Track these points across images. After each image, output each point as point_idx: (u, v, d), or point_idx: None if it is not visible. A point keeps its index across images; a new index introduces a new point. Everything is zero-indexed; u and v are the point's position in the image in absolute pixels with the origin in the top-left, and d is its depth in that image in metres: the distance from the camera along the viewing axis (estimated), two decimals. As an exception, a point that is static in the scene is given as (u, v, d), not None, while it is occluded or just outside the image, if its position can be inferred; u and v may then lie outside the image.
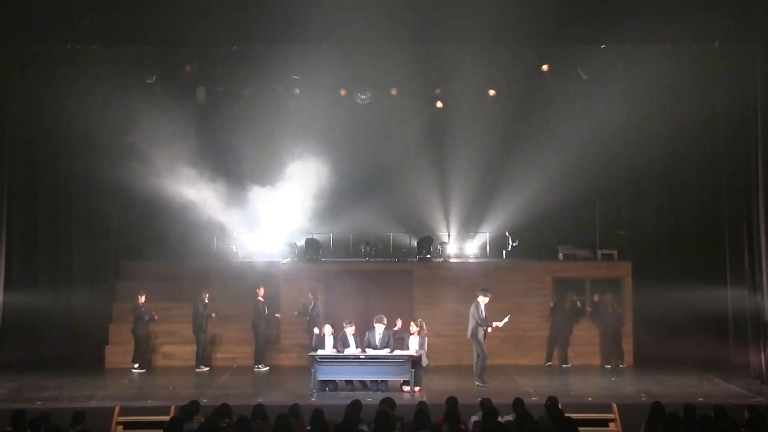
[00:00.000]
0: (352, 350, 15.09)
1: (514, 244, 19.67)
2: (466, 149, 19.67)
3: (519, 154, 19.61)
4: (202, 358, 17.12)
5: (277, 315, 17.39)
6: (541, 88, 18.63)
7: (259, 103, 19.19)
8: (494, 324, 15.46)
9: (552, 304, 17.61)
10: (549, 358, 17.58)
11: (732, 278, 16.86)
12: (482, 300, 15.52)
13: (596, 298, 17.63)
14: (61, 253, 18.07)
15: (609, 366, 17.20)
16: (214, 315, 17.08)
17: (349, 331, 15.30)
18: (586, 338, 17.71)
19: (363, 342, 15.22)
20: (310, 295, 17.06)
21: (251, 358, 17.29)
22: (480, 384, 15.18)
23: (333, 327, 15.50)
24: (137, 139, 17.97)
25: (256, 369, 16.97)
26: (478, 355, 15.42)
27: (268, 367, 17.09)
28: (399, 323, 15.48)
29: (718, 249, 17.36)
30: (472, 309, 15.54)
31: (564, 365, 17.41)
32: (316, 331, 15.48)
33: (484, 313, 15.45)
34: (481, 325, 15.41)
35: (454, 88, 18.86)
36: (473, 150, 19.63)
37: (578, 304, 17.52)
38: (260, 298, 17.11)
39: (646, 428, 10.38)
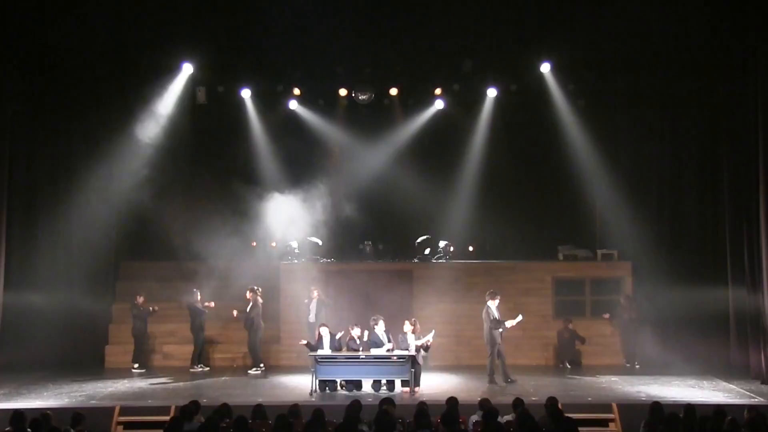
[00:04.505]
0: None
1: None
2: (466, 149, 19.67)
3: (519, 154, 19.63)
4: (199, 357, 17.09)
5: (234, 313, 16.95)
6: (541, 88, 18.64)
7: (259, 103, 19.21)
8: (507, 323, 15.51)
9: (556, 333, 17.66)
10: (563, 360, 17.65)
11: (732, 278, 16.83)
12: (492, 303, 15.58)
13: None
14: (61, 253, 18.04)
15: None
16: (209, 304, 17.01)
17: (355, 333, 15.25)
18: (585, 338, 17.71)
19: (368, 343, 15.11)
20: (314, 291, 17.12)
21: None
22: (490, 383, 15.29)
23: (329, 327, 15.40)
24: (137, 139, 17.99)
25: (249, 372, 16.73)
26: (490, 355, 15.51)
27: (263, 367, 16.84)
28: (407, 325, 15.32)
29: (718, 249, 17.33)
30: (484, 314, 15.59)
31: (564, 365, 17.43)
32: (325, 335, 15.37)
33: (497, 314, 15.50)
34: (495, 328, 15.45)
35: (454, 88, 18.88)
36: (473, 150, 19.62)
37: (580, 342, 17.51)
38: (253, 300, 16.82)
39: (646, 428, 10.39)
